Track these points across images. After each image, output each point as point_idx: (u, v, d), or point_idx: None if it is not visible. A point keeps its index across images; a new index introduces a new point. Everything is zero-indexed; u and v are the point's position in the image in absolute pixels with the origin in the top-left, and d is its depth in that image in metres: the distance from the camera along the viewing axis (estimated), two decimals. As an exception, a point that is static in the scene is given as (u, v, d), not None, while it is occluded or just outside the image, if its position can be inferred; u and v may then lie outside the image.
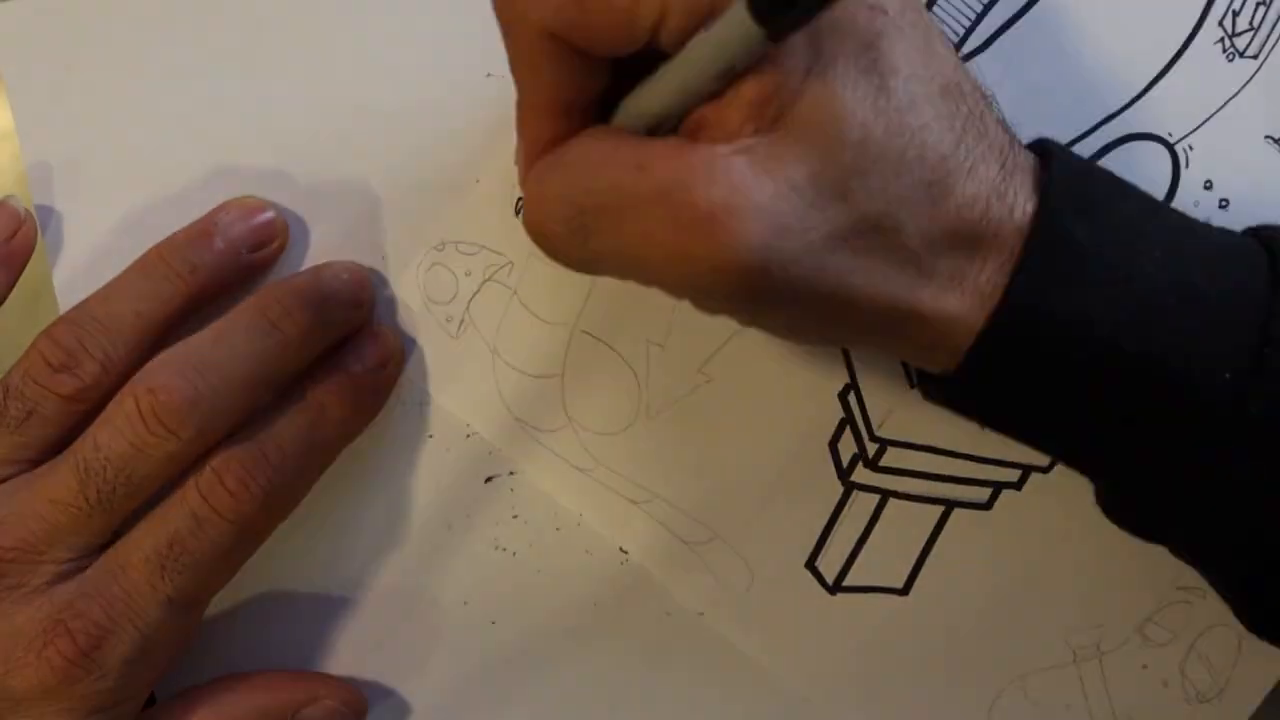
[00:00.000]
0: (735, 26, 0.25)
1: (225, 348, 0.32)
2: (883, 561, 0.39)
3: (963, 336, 0.28)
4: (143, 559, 0.32)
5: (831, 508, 0.38)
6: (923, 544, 0.39)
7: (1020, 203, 0.28)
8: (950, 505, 0.39)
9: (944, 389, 0.30)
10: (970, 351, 0.28)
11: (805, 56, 0.26)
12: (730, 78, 0.26)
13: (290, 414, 0.33)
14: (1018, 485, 0.39)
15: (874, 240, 0.26)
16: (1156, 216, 0.29)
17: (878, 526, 0.38)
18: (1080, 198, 0.28)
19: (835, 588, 0.38)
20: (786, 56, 0.25)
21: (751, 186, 0.25)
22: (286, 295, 0.34)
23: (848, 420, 0.38)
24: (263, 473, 0.32)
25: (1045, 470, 0.38)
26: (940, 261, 0.27)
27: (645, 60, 0.27)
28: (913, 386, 0.37)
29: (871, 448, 0.38)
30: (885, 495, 0.38)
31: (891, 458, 0.38)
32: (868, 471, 0.38)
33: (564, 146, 0.28)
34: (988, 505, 0.39)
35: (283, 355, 0.33)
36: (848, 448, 0.38)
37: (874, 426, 0.38)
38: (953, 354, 0.28)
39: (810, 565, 0.38)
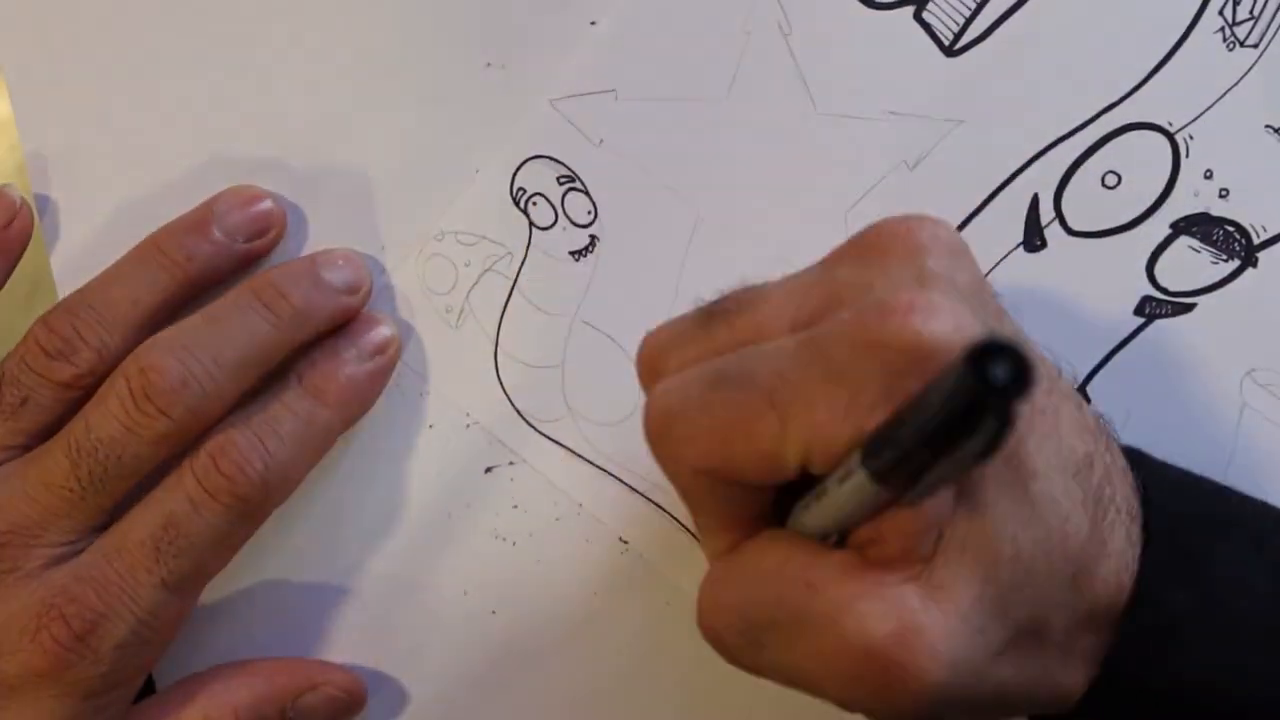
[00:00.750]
0: (864, 488, 0.24)
1: (217, 329, 0.32)
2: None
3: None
4: (138, 542, 0.32)
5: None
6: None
7: (1131, 565, 0.28)
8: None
9: None
10: (1074, 713, 0.28)
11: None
12: (880, 507, 0.25)
13: (287, 400, 0.33)
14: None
15: (1028, 643, 0.27)
16: (1259, 549, 0.29)
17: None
18: (1181, 555, 0.28)
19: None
20: None
21: (923, 620, 0.25)
22: (280, 278, 0.34)
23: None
24: (259, 458, 0.32)
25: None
26: (1079, 642, 0.28)
27: None
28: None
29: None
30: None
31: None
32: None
33: (739, 552, 0.28)
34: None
35: (275, 337, 0.33)
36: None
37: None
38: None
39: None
